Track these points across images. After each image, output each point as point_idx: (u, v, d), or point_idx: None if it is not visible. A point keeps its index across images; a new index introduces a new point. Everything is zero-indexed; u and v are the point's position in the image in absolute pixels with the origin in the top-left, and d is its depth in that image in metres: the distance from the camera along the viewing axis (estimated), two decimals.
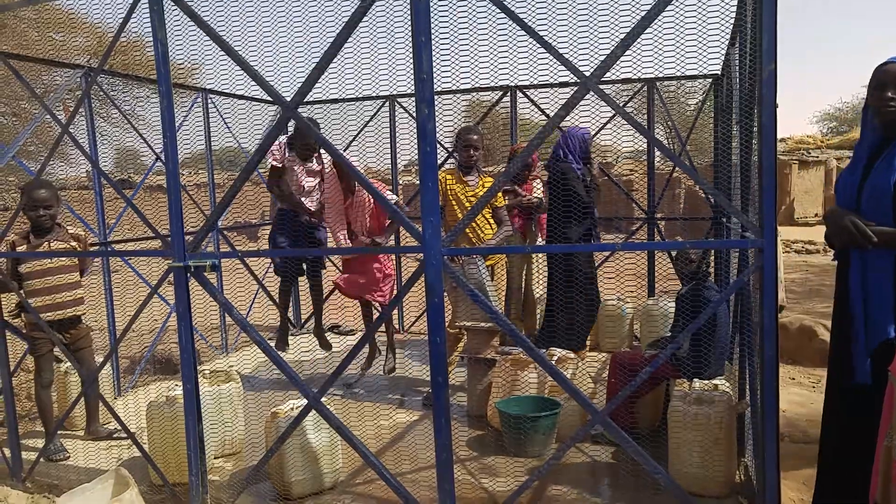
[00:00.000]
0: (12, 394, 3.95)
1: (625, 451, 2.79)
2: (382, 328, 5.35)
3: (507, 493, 3.28)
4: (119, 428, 4.00)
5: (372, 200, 4.94)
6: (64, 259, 4.22)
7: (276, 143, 5.03)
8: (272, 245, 5.30)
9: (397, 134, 6.89)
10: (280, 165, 4.93)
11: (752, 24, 2.74)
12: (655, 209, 6.50)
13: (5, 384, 3.91)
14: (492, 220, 4.87)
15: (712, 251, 5.15)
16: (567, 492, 3.45)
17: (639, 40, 2.55)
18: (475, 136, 4.85)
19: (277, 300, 5.67)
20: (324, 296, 5.63)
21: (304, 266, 5.34)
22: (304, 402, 3.20)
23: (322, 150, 5.07)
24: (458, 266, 4.46)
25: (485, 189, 4.86)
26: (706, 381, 3.58)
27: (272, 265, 5.54)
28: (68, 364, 4.59)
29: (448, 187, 4.78)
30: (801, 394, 5.41)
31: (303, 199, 5.07)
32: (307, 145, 4.93)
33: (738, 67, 3.54)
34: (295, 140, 4.95)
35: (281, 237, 5.17)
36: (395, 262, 5.47)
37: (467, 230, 4.76)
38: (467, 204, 4.73)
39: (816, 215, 18.50)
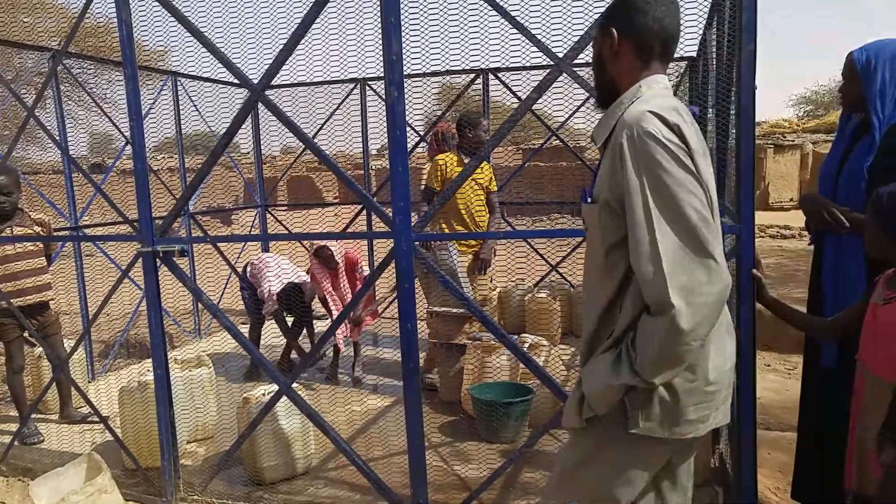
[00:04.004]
0: None
1: None
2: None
3: (479, 478, 3.30)
4: (91, 412, 3.97)
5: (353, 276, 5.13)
6: (26, 245, 4.14)
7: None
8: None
9: (368, 118, 6.82)
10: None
11: (732, 2, 2.71)
12: None
13: None
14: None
15: None
16: (540, 478, 3.46)
17: None
18: (486, 120, 4.84)
19: (248, 336, 5.68)
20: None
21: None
22: (276, 387, 3.19)
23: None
24: (430, 253, 4.45)
25: (484, 173, 4.85)
26: None
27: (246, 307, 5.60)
28: (41, 348, 4.54)
29: (450, 172, 4.71)
30: (777, 380, 5.41)
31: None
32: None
33: (715, 49, 3.51)
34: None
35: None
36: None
37: (463, 214, 4.73)
38: (467, 189, 4.69)
39: (791, 200, 18.52)
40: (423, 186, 4.85)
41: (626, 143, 1.53)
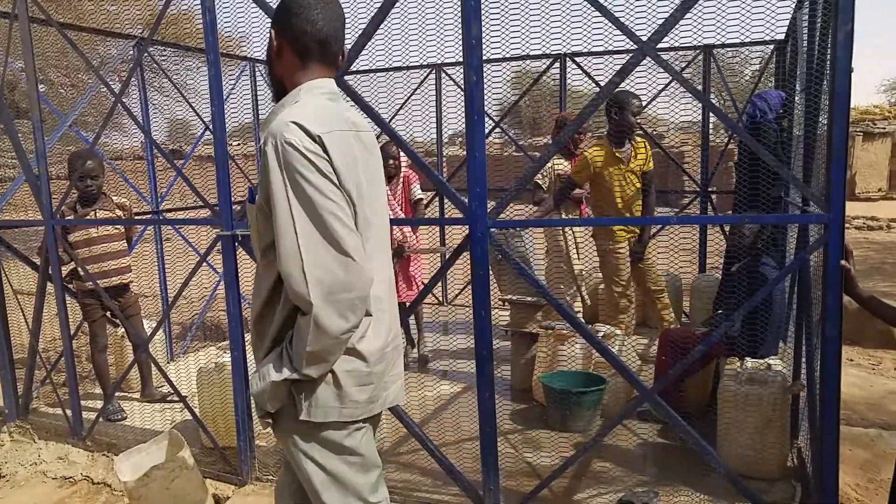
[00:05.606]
0: (73, 356, 4.08)
1: (672, 429, 2.72)
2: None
3: (550, 467, 3.26)
4: (171, 391, 4.11)
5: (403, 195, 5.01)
6: (108, 228, 4.29)
7: None
8: None
9: (443, 105, 6.79)
10: None
11: None
12: (709, 182, 6.28)
13: (66, 347, 4.03)
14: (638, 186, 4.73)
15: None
16: (612, 468, 3.41)
17: (699, 3, 2.43)
18: (636, 100, 4.60)
19: None
20: None
21: None
22: None
23: None
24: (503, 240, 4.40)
25: (637, 159, 4.71)
26: (758, 361, 3.46)
27: None
28: (123, 329, 4.72)
29: (600, 166, 4.57)
30: (860, 376, 5.20)
31: None
32: None
33: (806, 30, 3.33)
34: None
35: None
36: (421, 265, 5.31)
37: (619, 201, 4.64)
38: (619, 178, 4.59)
39: (880, 190, 17.72)
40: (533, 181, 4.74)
41: (271, 152, 1.61)
